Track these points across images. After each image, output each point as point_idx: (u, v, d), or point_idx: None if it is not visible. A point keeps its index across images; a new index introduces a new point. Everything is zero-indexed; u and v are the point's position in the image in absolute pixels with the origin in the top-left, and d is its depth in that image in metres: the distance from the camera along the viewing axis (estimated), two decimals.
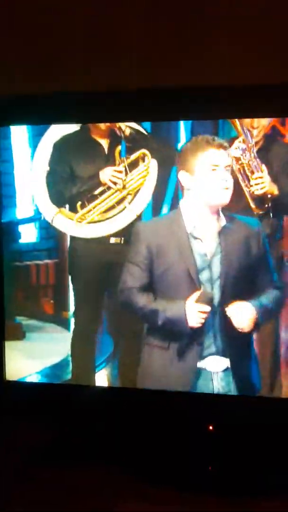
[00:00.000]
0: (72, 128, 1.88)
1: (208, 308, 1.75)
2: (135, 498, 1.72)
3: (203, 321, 1.75)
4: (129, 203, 1.85)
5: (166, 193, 1.89)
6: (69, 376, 1.99)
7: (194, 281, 1.75)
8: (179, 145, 1.79)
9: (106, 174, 1.85)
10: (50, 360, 2.03)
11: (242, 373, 1.80)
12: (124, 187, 1.84)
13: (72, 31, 1.92)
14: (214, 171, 1.73)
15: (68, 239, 1.96)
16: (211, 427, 1.80)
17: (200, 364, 1.80)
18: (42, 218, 1.97)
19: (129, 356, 1.93)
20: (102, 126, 1.86)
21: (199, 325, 1.75)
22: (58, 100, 1.81)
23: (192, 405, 1.84)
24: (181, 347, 1.79)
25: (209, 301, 1.75)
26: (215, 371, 1.80)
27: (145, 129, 1.85)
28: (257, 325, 1.77)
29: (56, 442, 1.99)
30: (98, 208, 1.87)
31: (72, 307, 2.02)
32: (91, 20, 1.91)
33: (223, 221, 1.77)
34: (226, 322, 1.76)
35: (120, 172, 1.84)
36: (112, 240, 1.89)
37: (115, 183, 1.85)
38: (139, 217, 1.87)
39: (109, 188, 1.85)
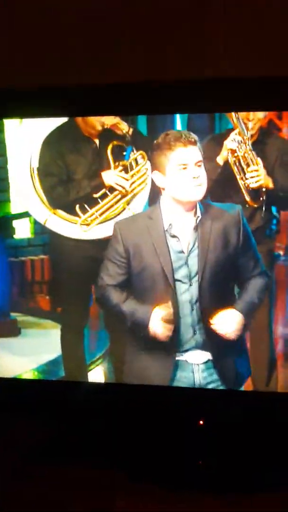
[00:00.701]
0: (62, 124, 1.87)
1: (172, 321, 1.76)
2: (129, 495, 1.74)
3: (168, 332, 1.76)
4: (128, 204, 1.84)
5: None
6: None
7: (169, 280, 1.75)
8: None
9: (110, 177, 1.83)
10: (45, 357, 2.03)
11: (225, 364, 1.81)
12: (127, 191, 1.83)
13: (65, 25, 1.88)
14: (185, 170, 1.71)
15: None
16: (201, 422, 1.81)
17: (180, 357, 1.80)
18: None
19: (124, 351, 1.94)
20: (98, 125, 1.83)
21: (163, 336, 1.77)
22: (51, 94, 1.77)
23: (184, 400, 1.85)
24: (160, 342, 1.80)
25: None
26: (195, 363, 1.80)
27: (139, 130, 1.84)
28: (245, 327, 1.78)
29: (53, 439, 2.00)
30: (101, 211, 1.85)
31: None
32: (84, 14, 1.87)
33: (199, 213, 1.75)
34: (204, 318, 1.77)
35: (126, 179, 1.83)
36: None
37: (122, 187, 1.83)
38: None
39: (111, 190, 1.83)
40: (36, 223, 1.98)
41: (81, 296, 1.96)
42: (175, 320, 1.76)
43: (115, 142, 1.81)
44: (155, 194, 1.82)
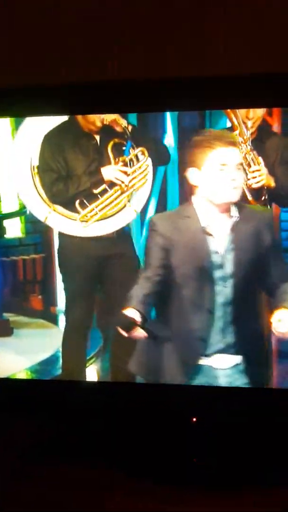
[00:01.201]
0: (62, 122, 1.87)
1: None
2: (126, 494, 1.72)
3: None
4: (129, 200, 1.85)
5: (167, 190, 1.91)
6: (59, 372, 1.98)
7: (208, 280, 1.71)
8: (190, 139, 1.75)
9: (110, 172, 1.84)
10: (39, 356, 2.01)
11: (255, 367, 1.76)
12: (127, 186, 1.84)
13: (65, 25, 1.89)
14: (223, 171, 1.67)
15: (56, 235, 1.94)
16: (194, 419, 1.80)
17: (203, 362, 1.75)
18: (28, 212, 1.94)
19: (122, 348, 1.92)
20: (97, 121, 1.83)
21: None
22: (41, 92, 1.76)
23: (177, 397, 1.83)
24: (184, 341, 1.75)
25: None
26: (222, 368, 1.75)
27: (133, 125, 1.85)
28: None
29: (52, 439, 1.98)
30: (101, 206, 1.85)
31: (60, 303, 2.01)
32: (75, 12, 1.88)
33: (235, 215, 1.72)
34: (239, 318, 1.73)
35: (126, 172, 1.83)
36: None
37: (122, 182, 1.83)
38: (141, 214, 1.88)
39: (110, 186, 1.84)
40: (27, 222, 1.99)
41: (86, 296, 1.96)
42: (207, 321, 1.72)
43: (116, 140, 1.82)
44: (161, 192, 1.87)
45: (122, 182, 1.83)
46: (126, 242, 1.92)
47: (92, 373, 2.02)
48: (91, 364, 2.01)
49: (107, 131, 1.82)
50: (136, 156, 1.82)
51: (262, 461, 1.79)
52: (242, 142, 1.75)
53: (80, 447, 1.93)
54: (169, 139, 1.86)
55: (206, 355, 1.75)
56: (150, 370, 1.82)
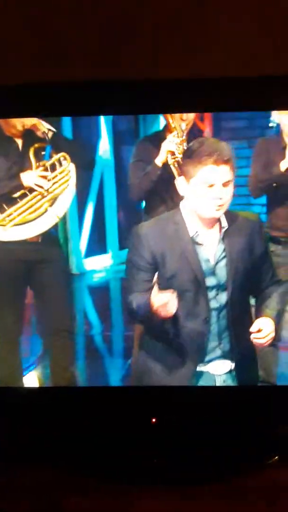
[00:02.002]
0: None
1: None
2: (83, 495, 1.71)
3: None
4: (50, 206, 1.83)
5: (89, 196, 1.91)
6: None
7: (201, 288, 1.68)
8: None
9: (30, 178, 1.81)
10: None
11: (247, 372, 1.77)
12: (47, 191, 1.82)
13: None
14: (210, 188, 1.63)
15: None
16: (154, 420, 1.79)
17: (202, 368, 1.74)
18: None
19: (62, 355, 1.93)
20: (18, 125, 1.81)
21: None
22: None
23: (135, 399, 1.83)
24: (183, 349, 1.72)
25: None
26: (218, 374, 1.75)
27: (60, 132, 1.85)
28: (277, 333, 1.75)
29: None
30: (19, 211, 1.82)
31: None
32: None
33: (224, 224, 1.69)
34: (233, 325, 1.72)
35: (45, 177, 1.82)
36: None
37: (41, 187, 1.81)
38: (62, 220, 1.87)
39: (30, 191, 1.81)
40: None
41: (14, 301, 1.92)
42: (204, 329, 1.70)
43: (36, 145, 1.81)
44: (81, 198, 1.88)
45: (41, 187, 1.81)
46: (53, 246, 1.91)
47: (33, 380, 1.99)
48: (31, 370, 1.99)
49: (29, 135, 1.81)
50: (59, 161, 1.81)
51: (223, 459, 1.79)
52: (178, 143, 1.78)
53: (32, 450, 1.89)
54: (105, 143, 1.87)
55: (204, 362, 1.73)
56: (151, 378, 1.79)
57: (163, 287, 1.64)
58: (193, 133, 1.82)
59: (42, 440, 1.90)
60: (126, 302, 1.74)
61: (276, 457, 1.78)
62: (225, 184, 1.62)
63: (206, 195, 1.63)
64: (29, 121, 1.79)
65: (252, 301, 1.80)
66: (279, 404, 1.84)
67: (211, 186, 1.62)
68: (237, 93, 1.65)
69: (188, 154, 1.66)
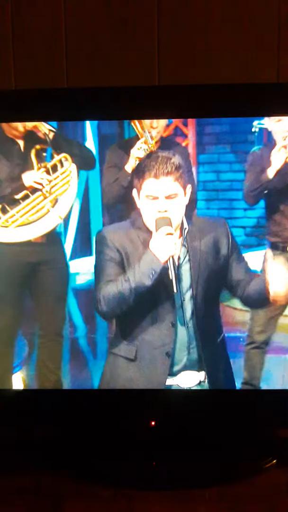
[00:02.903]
0: None
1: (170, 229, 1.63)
2: (82, 498, 1.71)
3: (173, 244, 1.62)
4: (52, 206, 1.85)
5: (89, 196, 1.94)
6: None
7: (167, 290, 1.65)
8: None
9: (31, 179, 1.83)
10: None
11: (216, 381, 1.74)
12: (49, 192, 1.84)
13: None
14: (154, 201, 1.65)
15: None
16: (153, 423, 1.80)
17: (171, 382, 1.71)
18: None
19: (50, 357, 1.95)
20: (20, 127, 1.82)
21: (171, 250, 1.62)
22: None
23: (134, 402, 1.81)
24: (150, 359, 1.69)
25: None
26: (187, 387, 1.72)
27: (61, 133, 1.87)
28: None
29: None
30: (22, 212, 1.83)
31: None
32: None
33: (185, 225, 1.69)
34: (200, 332, 1.68)
35: (47, 178, 1.83)
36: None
37: (42, 188, 1.83)
38: (64, 220, 1.89)
39: (32, 192, 1.83)
40: None
41: (15, 303, 1.92)
42: (171, 336, 1.67)
43: (37, 147, 1.83)
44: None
45: (43, 187, 1.83)
46: (56, 247, 1.91)
47: (17, 381, 1.96)
48: (16, 371, 1.96)
49: (30, 136, 1.82)
50: (61, 162, 1.83)
51: (221, 463, 1.80)
52: (147, 150, 1.81)
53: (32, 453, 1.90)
54: (90, 146, 1.90)
55: (173, 374, 1.71)
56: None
57: (129, 291, 1.65)
58: (168, 140, 1.88)
59: (41, 443, 1.91)
60: (97, 301, 1.72)
61: (274, 461, 1.82)
62: (168, 197, 1.64)
63: (150, 208, 1.66)
64: (30, 123, 1.81)
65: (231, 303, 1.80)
66: (277, 407, 1.85)
67: (154, 199, 1.64)
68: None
69: (136, 169, 1.71)
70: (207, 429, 1.79)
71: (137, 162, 1.79)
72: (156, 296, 1.66)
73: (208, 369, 1.70)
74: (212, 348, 1.70)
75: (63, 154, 1.83)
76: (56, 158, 1.83)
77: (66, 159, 1.83)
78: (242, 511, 1.66)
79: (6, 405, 1.91)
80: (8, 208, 1.82)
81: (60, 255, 1.93)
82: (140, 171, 1.67)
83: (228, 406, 1.82)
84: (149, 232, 1.67)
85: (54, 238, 1.89)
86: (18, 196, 1.82)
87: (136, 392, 1.81)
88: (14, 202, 1.83)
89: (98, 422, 1.85)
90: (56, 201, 1.85)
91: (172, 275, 1.62)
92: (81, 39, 1.91)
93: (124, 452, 1.83)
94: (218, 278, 1.70)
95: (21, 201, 1.82)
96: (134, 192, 1.72)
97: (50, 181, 1.83)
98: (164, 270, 1.63)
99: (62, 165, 1.83)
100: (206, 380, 1.71)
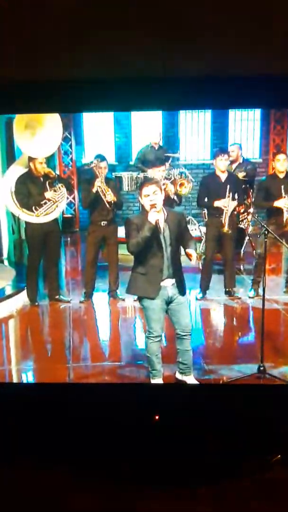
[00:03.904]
0: (26, 171, 4.02)
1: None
2: (85, 495, 1.76)
3: (157, 215, 3.11)
4: (56, 207, 4.11)
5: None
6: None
7: (159, 241, 3.13)
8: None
9: (48, 194, 4.05)
10: None
11: (180, 285, 3.24)
12: (55, 201, 4.08)
13: None
14: (146, 197, 3.13)
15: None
16: (157, 417, 1.94)
17: (162, 283, 3.18)
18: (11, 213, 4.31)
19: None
20: (41, 171, 4.02)
21: (156, 217, 3.10)
22: None
23: (136, 396, 1.98)
24: (153, 274, 3.18)
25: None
26: (168, 285, 3.21)
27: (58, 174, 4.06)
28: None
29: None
30: (43, 210, 4.05)
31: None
32: None
33: (165, 213, 3.20)
34: (173, 261, 3.17)
35: (54, 194, 4.06)
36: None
37: (53, 198, 4.05)
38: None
39: (48, 200, 4.06)
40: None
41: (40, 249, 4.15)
42: (162, 262, 3.19)
43: (49, 180, 4.08)
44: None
45: (54, 198, 4.06)
46: (56, 225, 4.17)
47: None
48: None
49: (46, 175, 4.08)
50: (60, 187, 4.12)
51: (226, 459, 1.86)
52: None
53: (41, 449, 1.97)
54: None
55: (162, 280, 3.24)
56: (138, 288, 3.29)
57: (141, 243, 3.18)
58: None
59: (44, 440, 1.95)
60: (132, 246, 3.21)
61: (279, 456, 1.85)
62: (153, 193, 3.18)
63: (145, 201, 3.20)
64: (46, 170, 4.04)
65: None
66: (282, 404, 1.96)
67: (146, 196, 3.19)
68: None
69: (141, 184, 3.47)
70: (211, 425, 1.85)
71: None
72: (153, 243, 3.21)
73: (176, 278, 3.30)
74: (177, 268, 3.28)
75: (60, 184, 4.13)
76: (58, 185, 4.10)
77: (62, 186, 4.12)
78: (245, 506, 1.68)
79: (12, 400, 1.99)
80: (37, 208, 4.04)
81: (58, 228, 4.20)
82: (141, 185, 3.30)
83: (232, 401, 1.95)
84: (146, 213, 3.21)
85: (56, 221, 4.14)
86: (42, 202, 4.05)
87: (139, 386, 1.98)
88: (40, 205, 4.04)
89: (104, 416, 1.97)
90: (58, 205, 4.11)
91: (161, 234, 3.19)
92: None
93: (125, 448, 1.87)
94: (179, 237, 3.30)
95: (43, 204, 4.05)
96: (138, 195, 3.34)
97: (55, 196, 4.07)
98: (156, 232, 3.18)
99: (60, 189, 4.09)
100: (175, 284, 3.29)
